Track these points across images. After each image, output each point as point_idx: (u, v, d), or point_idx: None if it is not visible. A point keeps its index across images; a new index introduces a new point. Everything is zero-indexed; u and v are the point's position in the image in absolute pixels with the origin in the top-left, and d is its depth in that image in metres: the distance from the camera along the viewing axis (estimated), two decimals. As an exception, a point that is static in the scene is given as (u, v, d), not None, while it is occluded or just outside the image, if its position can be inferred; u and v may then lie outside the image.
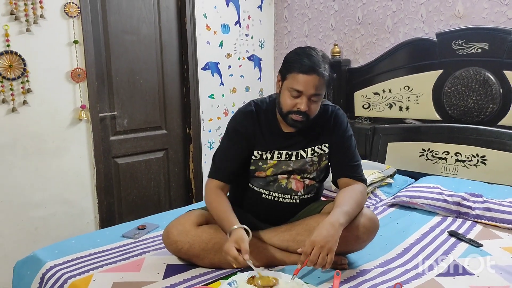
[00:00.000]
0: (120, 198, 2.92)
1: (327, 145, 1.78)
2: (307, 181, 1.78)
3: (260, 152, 1.75)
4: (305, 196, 1.79)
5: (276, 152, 1.75)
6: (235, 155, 1.76)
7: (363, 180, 1.77)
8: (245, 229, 1.56)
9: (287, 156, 1.75)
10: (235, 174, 1.78)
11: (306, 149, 1.76)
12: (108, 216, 2.81)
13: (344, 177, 1.76)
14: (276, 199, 1.78)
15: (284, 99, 1.66)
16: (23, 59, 2.31)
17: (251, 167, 1.77)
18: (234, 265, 1.48)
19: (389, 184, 2.66)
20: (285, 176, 1.76)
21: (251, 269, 1.50)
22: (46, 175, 2.49)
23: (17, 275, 1.76)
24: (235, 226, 1.55)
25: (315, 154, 1.77)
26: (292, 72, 1.60)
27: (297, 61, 1.60)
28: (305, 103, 1.61)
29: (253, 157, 1.76)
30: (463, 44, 2.62)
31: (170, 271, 1.62)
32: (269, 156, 1.75)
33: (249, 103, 1.81)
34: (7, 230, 2.38)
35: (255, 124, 1.75)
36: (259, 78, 3.72)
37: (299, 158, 1.76)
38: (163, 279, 1.57)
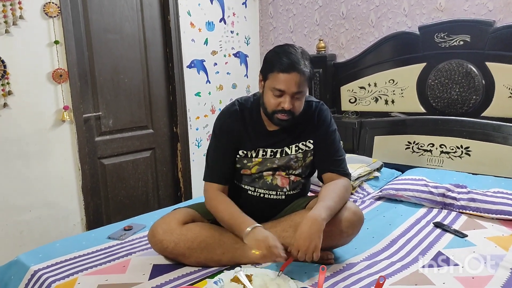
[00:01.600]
0: (108, 199, 2.90)
1: (311, 141, 1.78)
2: (292, 177, 1.79)
3: (245, 151, 1.75)
4: (291, 192, 1.79)
5: (261, 150, 1.75)
6: (226, 155, 1.76)
7: (347, 175, 1.77)
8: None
9: (272, 153, 1.75)
10: (230, 174, 1.77)
11: (290, 146, 1.76)
12: (96, 217, 2.79)
13: (328, 172, 1.76)
14: (261, 195, 1.78)
15: (267, 99, 1.65)
16: (2, 61, 2.28)
17: (237, 165, 1.77)
18: (277, 259, 1.49)
19: (376, 178, 2.68)
20: (270, 172, 1.77)
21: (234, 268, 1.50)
22: (29, 179, 2.46)
23: (1, 281, 1.74)
24: (255, 225, 1.56)
25: (300, 150, 1.77)
26: (273, 72, 1.60)
27: (276, 61, 1.60)
28: (289, 102, 1.61)
29: (238, 156, 1.76)
30: (445, 36, 2.63)
31: (156, 271, 1.61)
32: (254, 154, 1.75)
33: (233, 103, 1.80)
34: (-8, 235, 2.36)
35: (240, 123, 1.75)
36: (246, 75, 3.71)
37: (283, 155, 1.76)
38: (149, 279, 1.55)
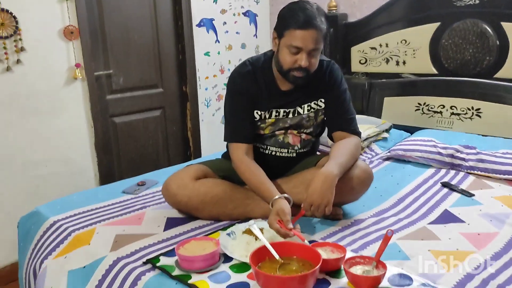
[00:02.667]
0: (119, 156, 2.95)
1: (323, 100, 1.78)
2: (303, 136, 1.81)
3: (259, 112, 1.76)
4: (302, 150, 1.82)
5: (274, 111, 1.76)
6: (247, 115, 1.75)
7: (358, 133, 1.79)
8: (286, 198, 1.55)
9: (284, 114, 1.76)
10: (252, 132, 1.77)
11: (302, 106, 1.77)
12: (108, 174, 2.85)
13: (339, 131, 1.79)
14: (273, 153, 1.81)
15: (283, 56, 1.63)
16: (14, 17, 2.27)
17: None
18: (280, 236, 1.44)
19: (385, 139, 2.69)
20: (282, 131, 1.79)
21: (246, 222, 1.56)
22: (44, 134, 2.50)
23: (22, 230, 1.82)
24: (276, 196, 1.54)
25: (312, 109, 1.78)
26: (289, 29, 1.58)
27: (292, 17, 1.57)
28: (305, 59, 1.59)
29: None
30: (461, -5, 2.58)
31: (171, 223, 1.67)
32: (267, 115, 1.76)
33: (245, 63, 1.79)
34: (9, 189, 2.42)
35: (254, 84, 1.74)
36: (255, 35, 3.67)
37: (296, 114, 1.77)
38: (163, 231, 1.62)
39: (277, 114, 1.76)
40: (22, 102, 2.39)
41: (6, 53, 2.28)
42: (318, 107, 1.79)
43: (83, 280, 1.45)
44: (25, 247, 1.75)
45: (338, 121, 1.80)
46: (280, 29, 1.62)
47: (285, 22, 1.60)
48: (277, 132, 1.79)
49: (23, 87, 2.38)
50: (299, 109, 1.77)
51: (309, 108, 1.78)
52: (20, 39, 2.31)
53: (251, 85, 1.74)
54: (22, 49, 2.32)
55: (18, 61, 2.32)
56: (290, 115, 1.77)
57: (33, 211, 1.82)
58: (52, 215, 1.74)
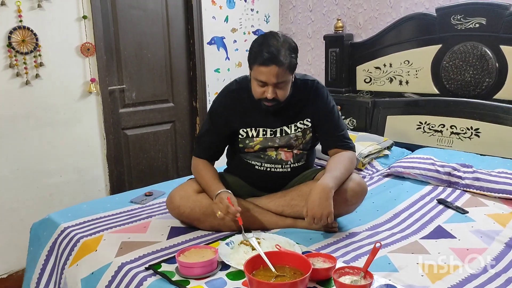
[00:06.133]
0: (130, 168, 3.07)
1: (309, 119, 1.85)
2: (295, 151, 1.87)
3: (245, 130, 1.84)
4: (296, 165, 1.88)
5: (261, 130, 1.83)
6: (216, 135, 1.87)
7: (351, 148, 1.87)
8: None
9: (271, 133, 1.83)
10: (218, 152, 1.92)
11: (289, 125, 1.84)
12: (119, 184, 2.96)
13: (333, 148, 1.86)
14: (268, 169, 1.87)
15: (253, 87, 1.74)
16: (35, 34, 2.42)
17: (240, 145, 1.87)
18: (219, 214, 1.65)
19: (386, 156, 2.76)
20: (273, 149, 1.86)
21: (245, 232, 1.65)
22: (59, 145, 2.63)
23: (34, 236, 1.92)
24: (220, 191, 1.71)
25: (299, 129, 1.84)
26: (254, 64, 1.67)
27: (257, 53, 1.65)
28: (271, 91, 1.68)
29: (239, 136, 1.85)
30: (461, 19, 2.66)
31: (174, 232, 1.76)
32: (254, 133, 1.83)
33: (232, 82, 1.90)
34: (24, 196, 2.54)
35: (237, 103, 1.83)
36: (264, 52, 3.78)
37: (283, 134, 1.83)
38: (167, 239, 1.71)
39: (264, 133, 1.83)
40: (39, 114, 2.53)
41: (26, 68, 2.42)
42: (305, 126, 1.85)
43: (93, 286, 1.54)
44: (36, 251, 1.85)
45: (330, 140, 1.87)
46: (249, 62, 1.72)
47: (252, 57, 1.69)
48: (268, 150, 1.85)
49: (41, 100, 2.52)
50: (286, 128, 1.84)
51: (295, 128, 1.84)
52: (40, 55, 2.46)
53: (232, 104, 1.84)
54: (41, 64, 2.47)
55: (37, 76, 2.47)
56: (278, 135, 1.83)
57: (45, 218, 1.93)
58: (63, 222, 1.84)
